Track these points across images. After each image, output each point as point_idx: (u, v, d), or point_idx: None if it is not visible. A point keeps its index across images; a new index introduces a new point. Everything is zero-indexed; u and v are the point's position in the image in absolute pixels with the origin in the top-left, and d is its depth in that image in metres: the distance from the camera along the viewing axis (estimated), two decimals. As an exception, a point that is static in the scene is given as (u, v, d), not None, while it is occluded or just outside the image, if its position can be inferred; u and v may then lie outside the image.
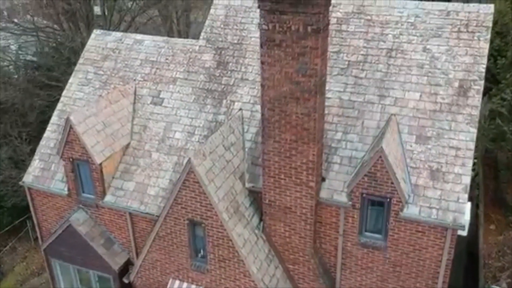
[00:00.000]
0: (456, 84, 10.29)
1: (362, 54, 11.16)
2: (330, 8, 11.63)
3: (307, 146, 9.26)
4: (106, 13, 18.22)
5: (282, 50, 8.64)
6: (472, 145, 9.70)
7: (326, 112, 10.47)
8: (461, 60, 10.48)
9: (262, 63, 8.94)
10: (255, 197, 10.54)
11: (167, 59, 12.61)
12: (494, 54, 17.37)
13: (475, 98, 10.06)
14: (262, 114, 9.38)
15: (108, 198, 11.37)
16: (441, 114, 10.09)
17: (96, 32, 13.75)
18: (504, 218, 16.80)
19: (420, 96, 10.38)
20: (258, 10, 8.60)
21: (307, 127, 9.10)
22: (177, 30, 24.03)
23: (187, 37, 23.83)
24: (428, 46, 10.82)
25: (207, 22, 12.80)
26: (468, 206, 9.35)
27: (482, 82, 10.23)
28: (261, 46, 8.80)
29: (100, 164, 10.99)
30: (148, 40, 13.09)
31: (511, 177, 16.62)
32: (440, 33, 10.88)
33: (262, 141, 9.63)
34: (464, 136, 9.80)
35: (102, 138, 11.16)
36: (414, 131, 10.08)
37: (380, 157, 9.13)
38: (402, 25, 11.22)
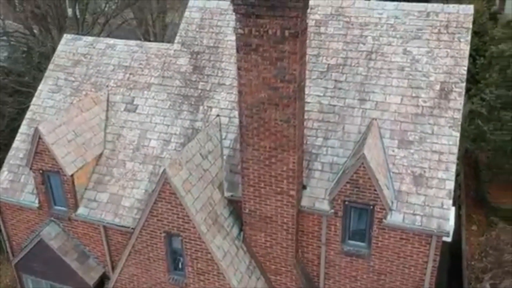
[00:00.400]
0: (438, 87, 10.09)
1: (341, 57, 10.89)
2: (308, 10, 11.39)
3: (287, 153, 8.95)
4: (78, 16, 17.59)
5: (259, 55, 8.31)
6: (455, 149, 9.50)
7: (306, 117, 10.17)
8: (442, 62, 10.28)
9: (239, 68, 8.59)
10: (235, 207, 10.19)
11: (140, 64, 12.18)
12: (473, 54, 17.33)
13: (457, 101, 9.87)
14: (240, 121, 9.04)
15: (81, 210, 10.89)
16: (423, 118, 9.87)
17: (66, 37, 13.23)
18: (485, 218, 16.75)
19: (401, 99, 10.15)
20: (233, 14, 8.26)
21: (286, 134, 8.77)
22: (153, 32, 23.52)
23: (163, 40, 23.38)
24: (408, 48, 10.60)
25: (181, 25, 12.40)
26: (452, 212, 9.14)
27: (464, 84, 10.04)
28: (237, 51, 8.46)
29: (72, 175, 10.51)
30: (120, 44, 12.63)
31: (491, 176, 16.58)
32: (420, 34, 10.68)
33: (241, 149, 9.28)
34: (446, 140, 9.59)
35: (74, 148, 10.68)
36: (396, 136, 9.84)
37: (362, 163, 8.86)
38: (381, 26, 10.98)
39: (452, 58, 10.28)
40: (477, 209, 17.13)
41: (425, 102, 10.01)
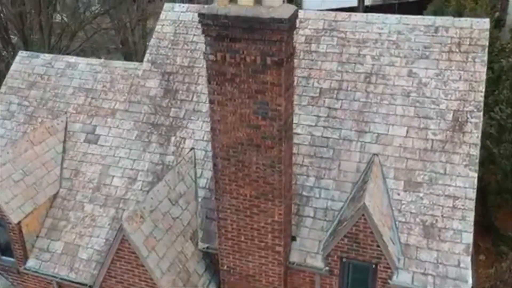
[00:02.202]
0: (450, 117, 8.55)
1: (336, 80, 9.33)
2: (297, 24, 9.84)
3: (272, 203, 7.37)
4: (43, 27, 15.82)
5: (235, 87, 6.73)
6: (472, 194, 7.96)
7: (295, 151, 8.62)
8: (454, 86, 8.75)
9: (211, 102, 7.01)
10: (211, 259, 8.61)
11: (104, 86, 10.55)
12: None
13: (473, 134, 8.34)
14: (214, 164, 7.45)
15: (32, 263, 9.25)
16: (433, 154, 8.33)
17: (21, 54, 11.57)
18: (494, 247, 15.25)
19: (407, 131, 8.60)
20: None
21: (271, 181, 7.20)
22: (132, 41, 21.89)
23: (144, 49, 21.75)
24: (414, 70, 9.05)
25: (152, 41, 10.78)
26: (470, 271, 7.61)
27: (481, 114, 8.51)
28: (209, 81, 6.87)
29: (19, 223, 8.88)
30: (82, 63, 10.99)
31: (500, 201, 15.10)
32: (427, 53, 9.13)
33: (216, 196, 7.69)
34: (462, 182, 8.05)
35: (21, 190, 9.04)
36: (401, 176, 8.29)
37: (363, 215, 7.31)
38: (382, 44, 9.43)
39: (466, 82, 8.75)
40: (484, 237, 15.62)
41: (435, 135, 8.47)
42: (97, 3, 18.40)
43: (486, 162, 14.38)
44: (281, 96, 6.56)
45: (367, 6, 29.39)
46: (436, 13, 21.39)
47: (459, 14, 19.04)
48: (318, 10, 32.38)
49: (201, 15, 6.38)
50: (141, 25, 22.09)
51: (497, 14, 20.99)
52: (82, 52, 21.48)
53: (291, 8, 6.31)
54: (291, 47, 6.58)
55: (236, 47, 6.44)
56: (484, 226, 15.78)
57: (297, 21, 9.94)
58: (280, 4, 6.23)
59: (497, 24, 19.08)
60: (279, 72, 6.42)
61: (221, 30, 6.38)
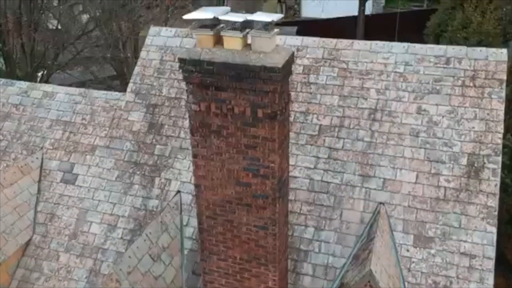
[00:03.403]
0: (464, 161, 7.67)
1: (337, 116, 8.45)
2: (294, 53, 8.98)
3: (265, 268, 6.47)
4: (25, 47, 14.83)
5: (222, 140, 5.85)
6: (491, 252, 7.11)
7: (291, 198, 7.76)
8: (469, 126, 7.87)
9: (195, 156, 6.12)
10: (199, 320, 7.74)
11: (84, 119, 9.65)
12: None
13: (491, 182, 7.46)
14: (200, 223, 6.56)
15: (0, 320, 8.40)
16: (446, 205, 7.46)
17: (-5, 81, 10.70)
18: (506, 280, 14.37)
19: (417, 177, 7.73)
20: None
21: (263, 244, 6.30)
22: (124, 56, 20.98)
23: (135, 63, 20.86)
24: (423, 106, 8.18)
25: (136, 69, 9.89)
26: None
27: (499, 158, 7.63)
28: (191, 133, 5.99)
29: (-16, 277, 8.02)
30: (61, 92, 10.09)
31: (511, 231, 14.24)
32: (438, 88, 8.26)
33: (202, 257, 6.80)
34: (479, 238, 7.19)
35: (-12, 240, 8.18)
36: (411, 229, 7.41)
37: (369, 282, 6.43)
38: (388, 76, 8.55)
39: (482, 122, 7.87)
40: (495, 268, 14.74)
41: (448, 181, 7.59)
42: (86, 18, 17.48)
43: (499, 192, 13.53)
44: (274, 153, 5.68)
45: (367, 15, 28.55)
46: (440, 25, 20.53)
47: (463, 27, 18.19)
48: (317, 18, 31.54)
49: (181, 60, 5.50)
50: (132, 40, 21.16)
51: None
52: (72, 63, 20.65)
53: (286, 52, 5.43)
54: (286, 95, 5.70)
55: (223, 96, 5.56)
56: (495, 256, 14.91)
57: (295, 49, 9.20)
58: (273, 48, 5.35)
59: (505, 40, 18.27)
60: (272, 126, 5.54)
61: (205, 78, 5.50)
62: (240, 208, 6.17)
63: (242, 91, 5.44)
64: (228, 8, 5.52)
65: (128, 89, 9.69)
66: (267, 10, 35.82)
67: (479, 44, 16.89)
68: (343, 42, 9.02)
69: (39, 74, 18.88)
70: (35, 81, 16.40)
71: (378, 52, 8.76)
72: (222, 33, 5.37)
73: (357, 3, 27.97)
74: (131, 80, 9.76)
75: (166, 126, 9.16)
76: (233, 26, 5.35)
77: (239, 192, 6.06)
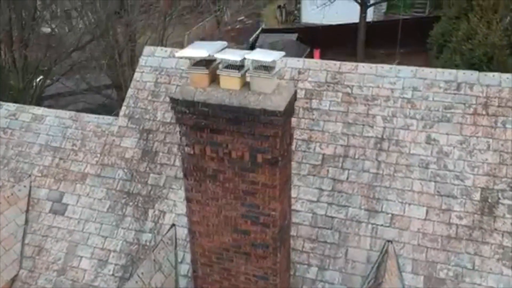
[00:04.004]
0: (477, 196, 7.20)
1: (341, 145, 7.99)
2: (296, 76, 8.52)
3: (265, 319, 6.02)
4: (16, 63, 14.35)
5: (218, 185, 5.38)
6: (508, 297, 6.64)
7: (293, 234, 7.28)
8: (482, 158, 7.40)
9: (189, 200, 5.65)
10: None
11: (74, 145, 9.18)
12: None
13: (507, 220, 6.97)
14: (194, 271, 6.09)
15: None
16: (458, 244, 6.98)
17: (-18, 103, 10.23)
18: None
19: (427, 212, 7.26)
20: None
21: (263, 295, 5.85)
22: (120, 64, 20.52)
23: (132, 74, 20.44)
24: (433, 135, 7.71)
25: (129, 92, 9.42)
26: None
27: (515, 193, 7.18)
28: (185, 176, 5.53)
29: (-34, 319, 7.55)
30: (50, 116, 9.60)
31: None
32: (448, 116, 7.79)
33: (197, 305, 6.34)
34: (494, 281, 6.70)
35: (-29, 278, 7.71)
36: (421, 270, 6.94)
37: (377, 334, 5.98)
38: (395, 102, 8.09)
39: (495, 153, 7.41)
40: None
41: (460, 218, 7.12)
42: (82, 28, 16.99)
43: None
44: (275, 200, 5.21)
45: (369, 22, 28.10)
46: (443, 35, 20.08)
47: (468, 38, 17.74)
48: (318, 24, 31.01)
49: (173, 100, 5.03)
50: (129, 47, 20.71)
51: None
52: (70, 70, 20.17)
53: (288, 92, 4.96)
54: (288, 137, 5.23)
55: (219, 139, 5.09)
56: None
57: (296, 71, 8.73)
58: (274, 88, 4.88)
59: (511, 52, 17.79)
60: (272, 172, 5.07)
61: (199, 120, 5.03)
62: (238, 257, 5.70)
63: (240, 134, 4.98)
64: (225, 43, 5.05)
65: (121, 113, 9.22)
66: (267, 16, 35.39)
67: (485, 56, 16.46)
68: (347, 65, 8.54)
69: (35, 82, 18.47)
70: (29, 94, 15.93)
71: (384, 76, 8.29)
72: (218, 72, 4.90)
73: (357, 9, 27.54)
74: (124, 104, 9.28)
75: (160, 154, 8.68)
76: (230, 63, 4.87)
77: (237, 240, 5.59)
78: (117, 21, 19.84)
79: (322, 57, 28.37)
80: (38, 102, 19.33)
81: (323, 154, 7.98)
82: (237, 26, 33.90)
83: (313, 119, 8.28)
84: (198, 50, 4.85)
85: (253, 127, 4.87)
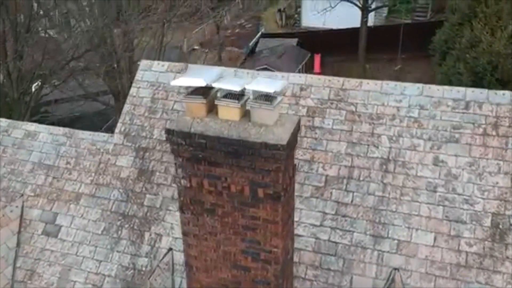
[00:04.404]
0: (488, 222, 6.90)
1: (345, 166, 7.68)
2: (298, 92, 8.21)
3: None
4: (10, 73, 14.04)
5: (216, 219, 5.07)
6: (522, 331, 6.33)
7: (296, 260, 6.96)
8: (492, 181, 7.10)
9: (185, 234, 5.33)
10: None
11: (68, 163, 8.87)
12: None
13: (519, 247, 6.70)
14: (191, 306, 5.79)
15: None
16: (468, 272, 6.68)
17: (-27, 119, 9.91)
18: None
19: (435, 239, 6.95)
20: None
21: (264, 332, 5.54)
22: (117, 71, 20.20)
23: (131, 81, 20.16)
24: (441, 157, 7.40)
25: (125, 107, 9.11)
26: None
27: (528, 219, 6.87)
28: (181, 210, 5.21)
29: None
30: (44, 132, 9.29)
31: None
32: (457, 136, 7.49)
33: None
34: (507, 313, 6.42)
35: (-41, 306, 7.40)
36: (429, 300, 6.66)
37: None
38: (401, 121, 7.78)
39: (506, 176, 7.09)
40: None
41: (470, 245, 6.81)
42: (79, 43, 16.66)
43: None
44: (277, 236, 4.89)
45: (369, 27, 27.79)
46: (447, 42, 19.78)
47: (472, 45, 17.44)
48: (318, 28, 30.69)
49: (169, 131, 4.72)
50: (127, 55, 20.40)
51: None
52: (65, 76, 19.85)
53: (291, 122, 4.65)
54: (291, 169, 4.92)
55: (217, 173, 4.78)
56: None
57: (298, 88, 8.43)
58: (276, 119, 4.57)
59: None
60: (274, 208, 4.76)
61: (196, 152, 4.72)
62: (237, 293, 5.38)
63: (240, 168, 4.67)
64: (223, 70, 4.73)
65: (117, 130, 8.91)
66: (267, 19, 35.06)
67: (489, 64, 16.16)
68: (351, 82, 8.24)
69: (30, 91, 18.16)
70: (24, 104, 15.61)
71: (390, 94, 7.99)
72: (216, 102, 4.59)
73: (358, 13, 27.23)
74: (120, 120, 8.97)
75: (157, 173, 8.37)
76: (229, 92, 4.56)
77: (236, 276, 5.27)
78: (116, 28, 19.56)
79: (323, 62, 28.12)
80: (35, 110, 19.06)
81: (326, 176, 7.67)
82: (237, 30, 33.62)
83: (315, 138, 7.97)
84: (195, 79, 4.54)
85: (254, 161, 4.56)
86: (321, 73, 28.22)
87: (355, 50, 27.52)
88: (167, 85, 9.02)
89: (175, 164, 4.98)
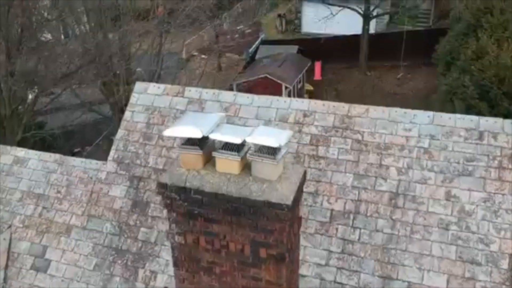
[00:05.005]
0: (504, 263, 6.45)
1: (351, 200, 7.23)
2: (301, 119, 7.79)
3: None
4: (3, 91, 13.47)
5: (214, 278, 4.62)
6: None
7: (299, 302, 6.52)
8: (509, 219, 6.65)
9: (180, 291, 4.91)
10: None
11: (59, 192, 8.42)
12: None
13: (540, 293, 6.26)
14: None
15: None
16: (485, 320, 6.26)
17: (-39, 142, 9.48)
18: None
19: (448, 281, 6.50)
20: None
21: None
22: (115, 83, 19.75)
23: (129, 93, 19.74)
24: (453, 191, 6.96)
25: (119, 133, 8.66)
26: None
27: (548, 262, 6.43)
28: (176, 266, 4.77)
29: None
30: (33, 158, 8.84)
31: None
32: (470, 169, 7.04)
33: None
34: None
35: None
36: None
37: None
38: (410, 152, 7.33)
39: (524, 214, 6.67)
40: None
41: (486, 289, 6.40)
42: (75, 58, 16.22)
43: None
44: (281, 299, 4.45)
45: (371, 34, 27.36)
46: (451, 52, 19.35)
47: (478, 57, 17.00)
48: (318, 33, 30.24)
49: (161, 185, 4.28)
50: (124, 64, 19.94)
51: None
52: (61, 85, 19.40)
53: (296, 176, 4.20)
54: (297, 225, 4.47)
55: (215, 229, 4.33)
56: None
57: (301, 114, 7.99)
58: (279, 173, 4.12)
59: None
60: (278, 269, 4.31)
61: (192, 208, 4.28)
62: None
63: (240, 226, 4.23)
64: (222, 116, 4.29)
65: (110, 157, 8.46)
66: (267, 25, 34.60)
67: (496, 77, 15.73)
68: (357, 108, 7.79)
69: (30, 97, 17.74)
70: (17, 121, 15.17)
71: (399, 122, 7.54)
72: (214, 154, 4.15)
73: (359, 19, 26.79)
74: (113, 147, 8.52)
75: (152, 205, 7.93)
76: (228, 142, 4.12)
77: (236, 337, 4.82)
78: (112, 33, 19.13)
79: (323, 69, 27.68)
80: (30, 121, 18.61)
81: (332, 210, 7.23)
82: (236, 36, 33.15)
83: (320, 169, 7.52)
84: (191, 129, 4.09)
85: (255, 220, 4.12)
86: (322, 80, 27.84)
87: (356, 57, 27.10)
88: (163, 109, 8.58)
89: (169, 219, 4.53)
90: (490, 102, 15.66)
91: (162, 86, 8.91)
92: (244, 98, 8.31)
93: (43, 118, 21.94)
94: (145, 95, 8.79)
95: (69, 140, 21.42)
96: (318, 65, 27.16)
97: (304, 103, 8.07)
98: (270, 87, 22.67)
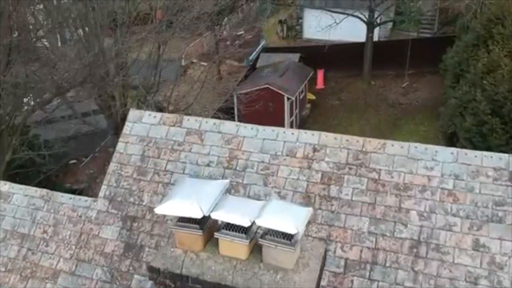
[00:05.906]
0: (543, 326, 5.77)
1: (368, 247, 6.52)
2: (311, 154, 7.09)
3: None
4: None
5: None
6: None
7: None
8: (546, 273, 5.97)
9: None
10: None
11: (45, 232, 7.69)
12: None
13: None
14: None
15: None
16: None
17: None
18: None
19: None
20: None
21: None
22: (110, 95, 19.04)
23: (125, 104, 19.06)
24: (482, 240, 6.25)
25: (111, 167, 7.93)
26: None
27: None
28: None
29: None
30: (19, 193, 8.11)
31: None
32: (501, 214, 6.33)
33: None
34: None
35: None
36: None
37: None
38: (433, 194, 6.62)
39: None
40: None
41: None
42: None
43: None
44: None
45: (375, 42, 26.63)
46: (460, 64, 18.64)
47: (489, 70, 16.29)
48: (320, 39, 29.46)
49: (153, 269, 3.56)
50: (120, 76, 19.20)
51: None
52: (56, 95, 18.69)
53: (315, 263, 3.49)
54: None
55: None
56: None
57: (311, 148, 7.29)
58: (295, 260, 3.41)
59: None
60: None
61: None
62: None
63: (248, 319, 3.51)
64: (225, 183, 3.58)
65: (101, 194, 7.73)
66: (268, 31, 33.83)
67: (510, 92, 15.02)
68: (372, 143, 7.08)
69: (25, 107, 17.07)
70: (8, 137, 14.46)
71: (419, 159, 6.83)
72: (217, 235, 3.44)
73: (362, 26, 26.05)
74: (105, 182, 7.80)
75: (146, 249, 7.21)
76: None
77: None
78: (107, 37, 18.46)
79: (326, 77, 26.96)
80: (25, 130, 17.88)
81: (346, 259, 6.51)
82: (236, 42, 32.41)
83: (332, 211, 6.81)
84: (189, 206, 3.37)
85: (267, 315, 3.41)
86: (324, 89, 27.11)
87: (360, 65, 26.37)
88: (160, 140, 7.87)
89: (162, 303, 3.82)
90: (503, 118, 14.96)
91: (158, 114, 8.18)
92: (247, 129, 7.60)
93: (36, 130, 21.28)
94: (140, 124, 8.07)
95: (68, 148, 20.70)
96: (320, 73, 26.43)
97: (314, 136, 7.34)
98: (271, 98, 21.99)
